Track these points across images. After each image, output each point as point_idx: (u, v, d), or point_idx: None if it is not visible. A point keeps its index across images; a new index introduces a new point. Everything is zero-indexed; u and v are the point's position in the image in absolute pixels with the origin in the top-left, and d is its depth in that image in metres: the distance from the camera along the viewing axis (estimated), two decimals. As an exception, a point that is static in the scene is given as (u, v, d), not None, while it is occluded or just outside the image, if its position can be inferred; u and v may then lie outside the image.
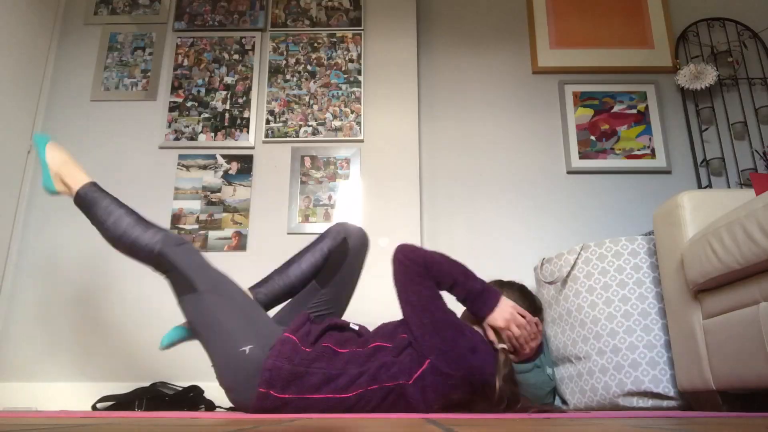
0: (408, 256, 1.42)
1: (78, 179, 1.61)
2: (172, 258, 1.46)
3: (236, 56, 2.68)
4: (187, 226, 2.43)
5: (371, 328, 1.55)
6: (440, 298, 1.40)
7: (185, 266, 1.45)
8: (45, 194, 2.46)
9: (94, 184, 1.61)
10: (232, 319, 1.41)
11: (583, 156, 2.65)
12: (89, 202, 1.56)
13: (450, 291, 1.42)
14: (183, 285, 1.45)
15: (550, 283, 2.08)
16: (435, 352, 1.33)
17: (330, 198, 2.47)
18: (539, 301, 1.54)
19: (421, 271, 1.40)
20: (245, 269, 2.37)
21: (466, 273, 1.43)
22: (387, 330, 1.46)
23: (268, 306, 1.63)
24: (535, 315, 1.46)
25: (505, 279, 1.56)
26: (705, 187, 2.60)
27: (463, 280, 1.41)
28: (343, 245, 1.63)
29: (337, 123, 2.56)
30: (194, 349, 2.26)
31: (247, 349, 1.36)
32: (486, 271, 2.47)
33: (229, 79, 2.64)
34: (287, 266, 1.66)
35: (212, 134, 2.56)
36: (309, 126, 2.56)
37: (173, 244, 1.47)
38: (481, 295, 1.40)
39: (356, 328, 1.52)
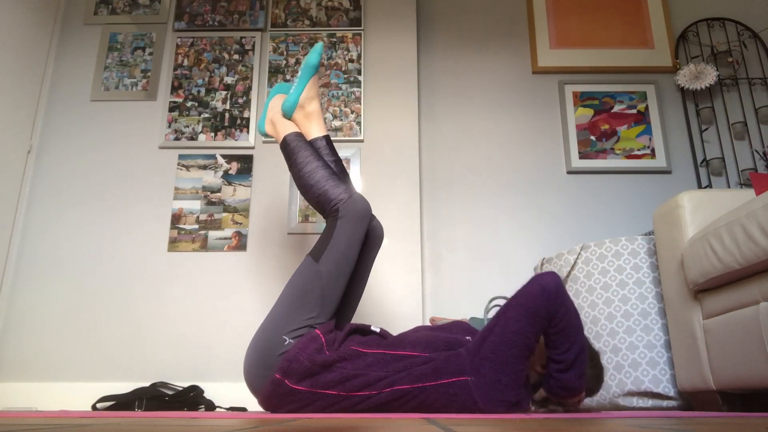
0: (555, 311, 1.29)
1: (287, 128, 1.74)
2: (337, 224, 1.52)
3: (236, 56, 2.68)
4: (187, 226, 2.43)
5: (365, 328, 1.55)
6: (530, 348, 1.31)
7: (334, 239, 1.50)
8: (47, 193, 2.47)
9: (298, 134, 1.72)
10: (305, 310, 1.42)
11: (583, 156, 2.65)
12: (292, 149, 1.68)
13: (551, 362, 1.33)
14: (318, 248, 1.51)
15: (550, 283, 2.08)
16: (481, 379, 1.29)
17: (330, 198, 2.47)
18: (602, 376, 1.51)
19: (544, 329, 1.30)
20: (245, 269, 2.37)
21: (579, 360, 1.32)
22: (420, 339, 1.40)
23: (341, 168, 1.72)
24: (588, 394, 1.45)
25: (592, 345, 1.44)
26: (705, 187, 2.60)
27: (572, 363, 1.31)
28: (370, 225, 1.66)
29: (337, 123, 2.56)
30: (194, 349, 2.27)
31: (287, 339, 1.38)
32: (487, 271, 2.49)
33: (229, 79, 2.64)
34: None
35: (212, 134, 2.56)
36: (309, 126, 2.56)
37: (349, 215, 1.52)
38: (573, 390, 1.33)
39: (378, 330, 1.52)
